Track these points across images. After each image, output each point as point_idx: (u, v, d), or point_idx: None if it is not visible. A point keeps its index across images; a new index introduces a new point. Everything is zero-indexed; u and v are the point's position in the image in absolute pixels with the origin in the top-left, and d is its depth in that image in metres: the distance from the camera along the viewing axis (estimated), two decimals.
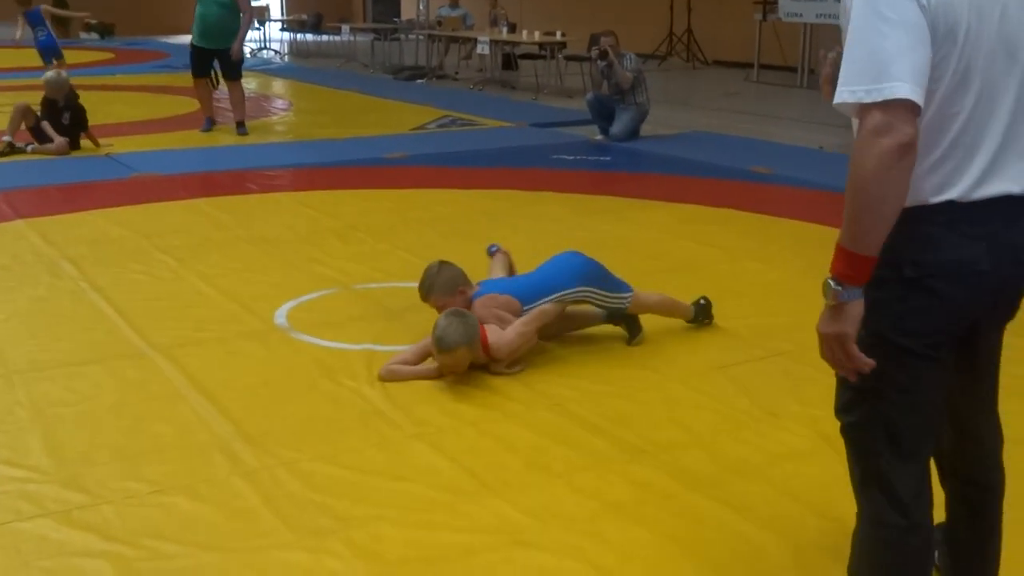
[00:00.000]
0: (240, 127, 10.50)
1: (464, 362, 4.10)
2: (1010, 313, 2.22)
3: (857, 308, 1.98)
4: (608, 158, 9.15)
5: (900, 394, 2.10)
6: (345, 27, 19.77)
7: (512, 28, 15.71)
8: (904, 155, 1.86)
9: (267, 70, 17.64)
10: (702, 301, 4.77)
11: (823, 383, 4.10)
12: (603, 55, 9.82)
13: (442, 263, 4.44)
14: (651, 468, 3.43)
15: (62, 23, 23.91)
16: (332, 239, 6.31)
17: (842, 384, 2.19)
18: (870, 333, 2.04)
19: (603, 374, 4.22)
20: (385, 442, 3.62)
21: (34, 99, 9.52)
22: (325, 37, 21.41)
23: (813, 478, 3.37)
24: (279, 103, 13.60)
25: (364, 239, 6.30)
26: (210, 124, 10.63)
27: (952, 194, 1.99)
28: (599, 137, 10.12)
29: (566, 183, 8.04)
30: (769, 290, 5.37)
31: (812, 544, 3.00)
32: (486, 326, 4.15)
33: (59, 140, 9.05)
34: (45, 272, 5.56)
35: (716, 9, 17.36)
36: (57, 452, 3.51)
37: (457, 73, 16.40)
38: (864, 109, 1.88)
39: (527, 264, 5.64)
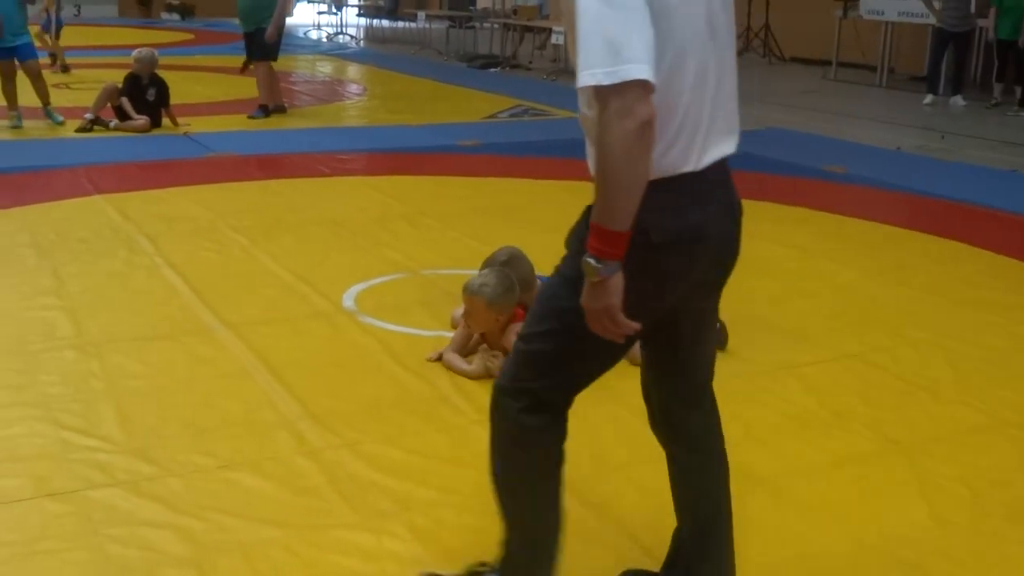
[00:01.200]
0: (260, 110, 10.34)
1: (479, 316, 4.05)
2: (730, 269, 2.38)
3: (618, 280, 2.07)
4: None
5: (607, 343, 2.20)
6: (421, 14, 19.86)
7: None
8: (644, 133, 1.96)
9: (343, 55, 17.79)
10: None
11: (892, 386, 4.07)
12: None
13: (511, 281, 4.14)
14: None
15: (145, 3, 24.42)
16: (402, 224, 6.36)
17: (544, 314, 2.32)
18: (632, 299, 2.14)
19: None
20: (448, 427, 3.65)
21: (109, 77, 9.72)
22: (401, 24, 21.54)
23: (877, 481, 3.33)
24: (354, 88, 13.73)
25: (433, 225, 6.34)
26: (262, 112, 10.49)
27: (688, 166, 2.15)
28: None
29: None
30: (840, 291, 5.30)
31: (873, 548, 2.96)
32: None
33: (140, 119, 9.24)
34: (122, 247, 5.68)
35: (795, 5, 17.11)
36: (128, 424, 3.59)
37: (531, 63, 16.39)
38: (604, 92, 1.94)
39: None
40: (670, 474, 2.64)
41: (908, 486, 3.31)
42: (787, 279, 5.49)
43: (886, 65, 14.34)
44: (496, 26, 17.12)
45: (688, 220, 2.18)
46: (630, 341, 2.27)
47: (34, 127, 9.34)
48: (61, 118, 9.29)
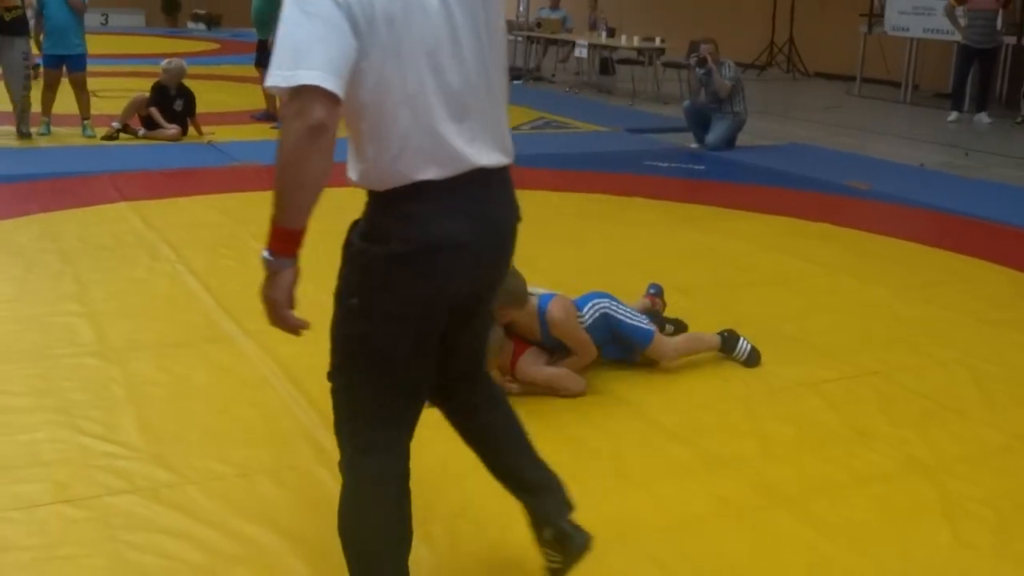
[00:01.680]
0: (263, 113, 10.40)
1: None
2: (498, 281, 2.45)
3: (288, 277, 2.16)
4: (702, 166, 9.06)
5: (387, 361, 2.28)
6: None
7: (611, 32, 15.65)
8: (316, 136, 2.06)
9: None
10: (725, 333, 4.43)
11: (915, 405, 4.03)
12: (702, 62, 9.72)
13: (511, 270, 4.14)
14: (732, 481, 3.39)
15: (171, 12, 24.59)
16: None
17: (333, 348, 2.38)
18: (364, 304, 2.26)
19: (687, 384, 4.18)
20: None
21: (135, 85, 9.78)
22: None
23: (899, 502, 3.30)
24: None
25: None
26: (267, 116, 10.52)
27: (429, 174, 2.18)
28: (694, 145, 10.03)
29: (658, 190, 7.98)
30: (863, 307, 5.26)
31: (895, 570, 2.93)
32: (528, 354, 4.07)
33: (171, 128, 9.30)
34: (145, 254, 5.70)
35: (819, 20, 17.08)
36: (148, 430, 3.59)
37: (554, 75, 16.41)
38: (285, 93, 2.05)
39: (611, 266, 5.61)
40: (465, 440, 2.74)
41: (931, 507, 3.28)
42: (810, 295, 5.45)
43: (911, 81, 14.28)
44: (520, 39, 17.15)
45: (428, 230, 2.20)
46: (424, 366, 2.34)
47: (63, 134, 9.39)
48: (93, 133, 9.34)
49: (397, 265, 2.22)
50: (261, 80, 9.39)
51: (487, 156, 2.27)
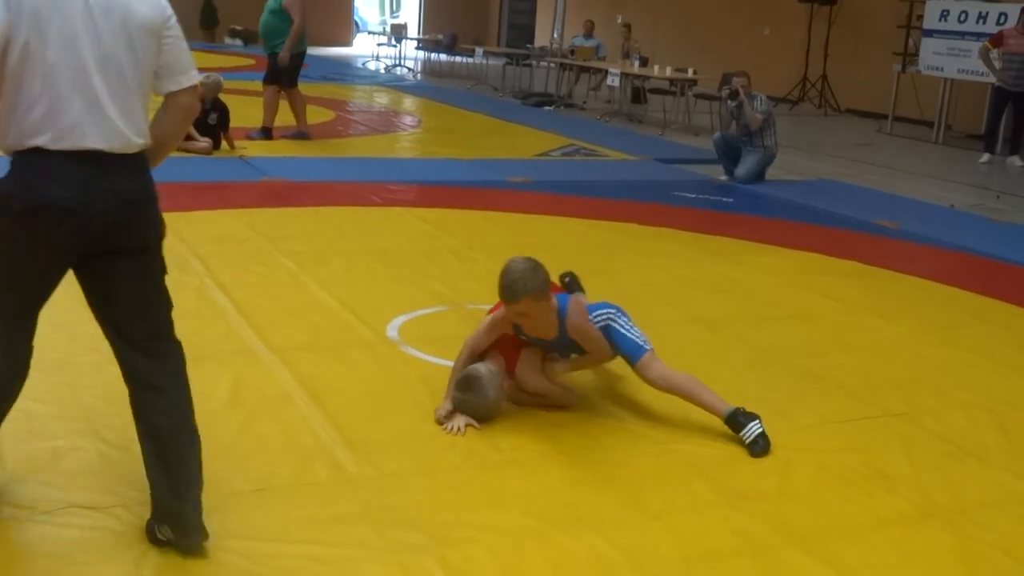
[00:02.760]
0: (261, 131, 10.48)
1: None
2: (125, 246, 2.85)
3: None
4: (730, 199, 9.06)
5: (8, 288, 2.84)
6: (479, 50, 20.04)
7: (644, 62, 15.70)
8: None
9: (400, 86, 17.98)
10: (741, 410, 3.95)
11: (938, 448, 4.00)
12: (734, 95, 9.74)
13: (529, 261, 3.96)
14: (751, 516, 3.37)
15: (209, 27, 24.85)
16: (449, 257, 6.38)
17: None
18: None
19: (708, 417, 4.16)
20: (484, 464, 3.64)
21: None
22: (459, 58, 21.74)
23: (918, 546, 3.27)
24: (408, 119, 13.85)
25: (480, 259, 6.35)
26: (263, 134, 10.54)
27: (39, 141, 2.66)
28: (723, 177, 10.02)
29: (686, 221, 7.98)
30: (887, 348, 5.23)
31: None
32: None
33: (203, 142, 9.39)
34: (173, 266, 5.65)
35: (853, 57, 17.07)
36: None
37: (585, 103, 16.45)
38: None
39: (637, 297, 5.61)
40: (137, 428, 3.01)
41: (950, 552, 3.25)
42: (834, 332, 5.43)
43: (943, 121, 14.23)
44: (552, 65, 17.22)
45: (38, 193, 2.67)
46: (30, 284, 2.86)
47: None
48: None
49: (13, 220, 2.70)
50: (265, 96, 9.33)
51: (110, 137, 2.74)
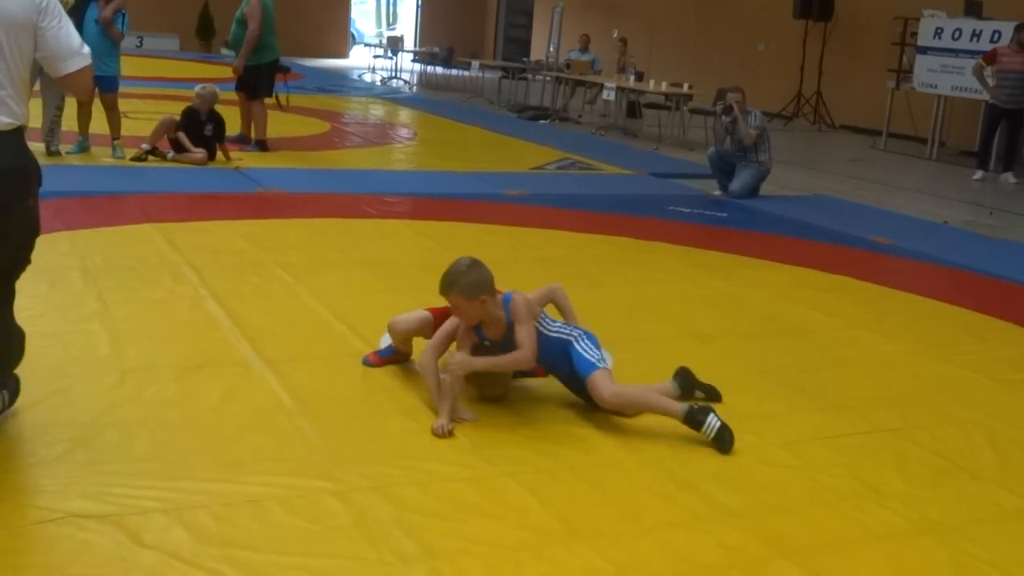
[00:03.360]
0: (256, 144, 10.45)
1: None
2: None
3: None
4: (724, 214, 9.08)
5: None
6: (475, 63, 20.08)
7: (639, 76, 15.74)
8: None
9: (396, 99, 18.01)
10: (695, 407, 4.06)
11: (931, 464, 4.01)
12: (728, 110, 9.77)
13: (474, 261, 4.16)
14: (742, 532, 3.37)
15: (205, 38, 24.88)
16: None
17: None
18: None
19: (696, 433, 4.16)
20: (478, 477, 3.63)
21: (166, 108, 9.88)
22: (455, 71, 21.79)
23: (910, 561, 3.27)
24: (404, 132, 13.87)
25: None
26: (257, 146, 10.49)
27: None
28: (717, 192, 10.05)
29: (680, 235, 8.00)
30: (881, 363, 5.24)
31: None
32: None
33: (198, 152, 9.40)
34: (168, 276, 5.75)
35: (848, 74, 17.14)
36: (161, 452, 3.61)
37: (581, 117, 16.49)
38: None
39: (630, 311, 5.61)
40: None
41: (942, 569, 3.25)
42: (828, 348, 5.44)
43: (937, 138, 14.28)
44: (548, 79, 17.27)
45: None
46: None
47: (92, 153, 9.49)
48: (123, 154, 9.44)
49: None
50: (240, 105, 9.41)
51: None
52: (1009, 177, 12.25)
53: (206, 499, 3.30)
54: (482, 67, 19.95)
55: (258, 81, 10.38)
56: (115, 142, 9.48)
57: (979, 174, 12.49)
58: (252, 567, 2.94)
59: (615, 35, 18.83)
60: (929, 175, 12.96)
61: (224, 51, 24.51)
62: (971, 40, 13.37)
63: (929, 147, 14.30)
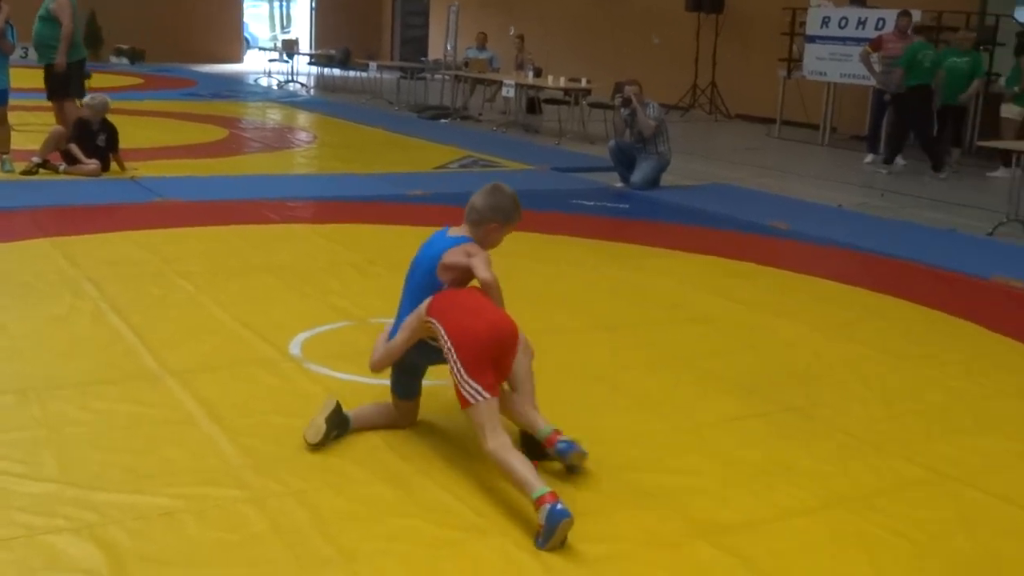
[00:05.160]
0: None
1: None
2: None
3: None
4: (627, 206, 9.19)
5: None
6: (372, 64, 19.96)
7: (538, 73, 15.83)
8: None
9: (293, 102, 17.82)
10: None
11: (836, 440, 4.13)
12: (627, 102, 9.89)
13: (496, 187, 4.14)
14: (658, 514, 3.43)
15: (93, 46, 24.27)
16: (351, 272, 6.35)
17: None
18: None
19: (609, 420, 4.22)
20: (393, 477, 3.62)
21: (47, 119, 9.62)
22: (352, 73, 21.62)
23: (820, 535, 3.37)
24: (303, 135, 13.73)
25: (382, 273, 6.33)
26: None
27: None
28: (619, 184, 10.17)
29: (585, 228, 8.08)
30: (785, 345, 5.37)
31: None
32: None
33: (91, 164, 9.16)
34: (67, 291, 5.61)
35: (741, 64, 17.48)
36: (70, 470, 3.52)
37: (481, 114, 16.52)
38: None
39: (538, 303, 5.65)
40: None
41: (851, 539, 3.35)
42: (732, 332, 5.55)
43: (828, 124, 14.66)
44: (447, 78, 17.25)
45: None
46: None
47: None
48: (12, 168, 9.15)
49: None
50: (55, 113, 8.98)
51: None
52: (899, 160, 12.61)
53: (119, 515, 3.24)
54: (380, 68, 19.84)
55: (70, 80, 9.99)
56: (4, 157, 9.20)
57: (869, 158, 12.85)
58: None
59: (512, 32, 18.91)
60: (823, 160, 13.30)
61: (113, 59, 23.98)
62: (857, 28, 13.76)
63: (821, 133, 14.68)
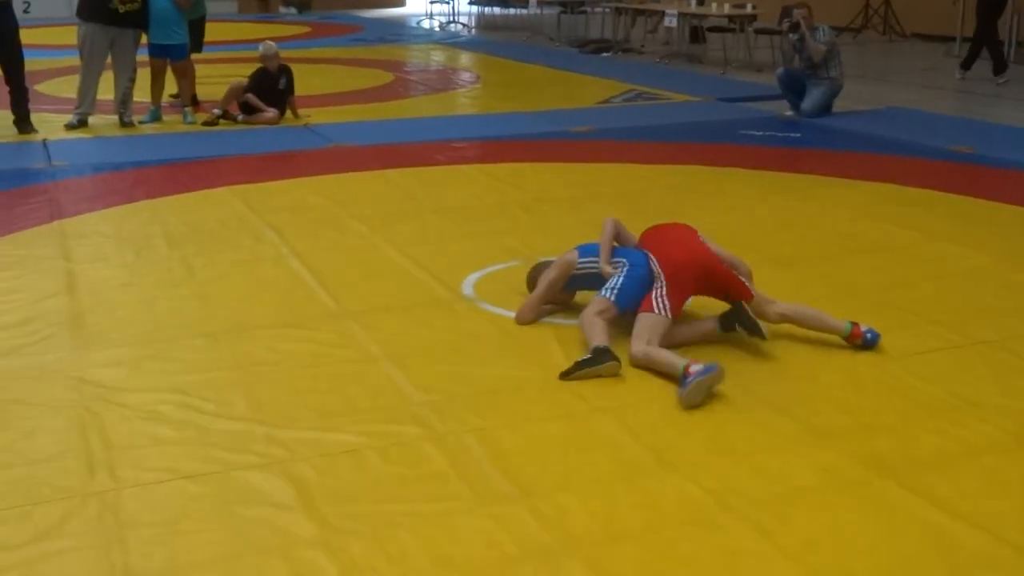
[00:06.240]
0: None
1: None
2: None
3: None
4: (798, 134, 8.91)
5: None
6: (532, 0, 19.84)
7: (701, 0, 15.43)
8: None
9: (455, 43, 17.91)
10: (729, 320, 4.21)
11: None
12: (795, 27, 9.54)
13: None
14: (837, 453, 3.36)
15: (262, 0, 24.94)
16: (518, 211, 6.39)
17: None
18: None
19: (789, 355, 4.14)
20: (570, 414, 3.66)
21: (231, 71, 9.94)
22: (512, 11, 21.55)
23: (1013, 474, 3.23)
24: (466, 76, 13.81)
25: (549, 212, 6.35)
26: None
27: None
28: (789, 113, 9.86)
29: (754, 160, 7.88)
30: (970, 276, 5.14)
31: (1014, 541, 2.87)
32: None
33: (270, 112, 9.47)
34: (248, 237, 5.84)
35: None
36: (260, 409, 3.70)
37: (643, 46, 16.24)
38: None
39: (710, 240, 5.56)
40: None
41: None
42: (914, 263, 5.35)
43: (1013, 40, 13.78)
44: (607, 10, 17.00)
45: None
46: None
47: (165, 121, 9.60)
48: (194, 119, 9.55)
49: None
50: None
51: None
52: None
53: (307, 451, 3.38)
54: (540, 4, 19.70)
55: (196, 37, 10.19)
56: (186, 109, 9.60)
57: None
58: (356, 514, 3.02)
59: None
60: (1008, 79, 12.54)
61: (282, 9, 24.64)
62: None
63: (1006, 49, 13.82)
